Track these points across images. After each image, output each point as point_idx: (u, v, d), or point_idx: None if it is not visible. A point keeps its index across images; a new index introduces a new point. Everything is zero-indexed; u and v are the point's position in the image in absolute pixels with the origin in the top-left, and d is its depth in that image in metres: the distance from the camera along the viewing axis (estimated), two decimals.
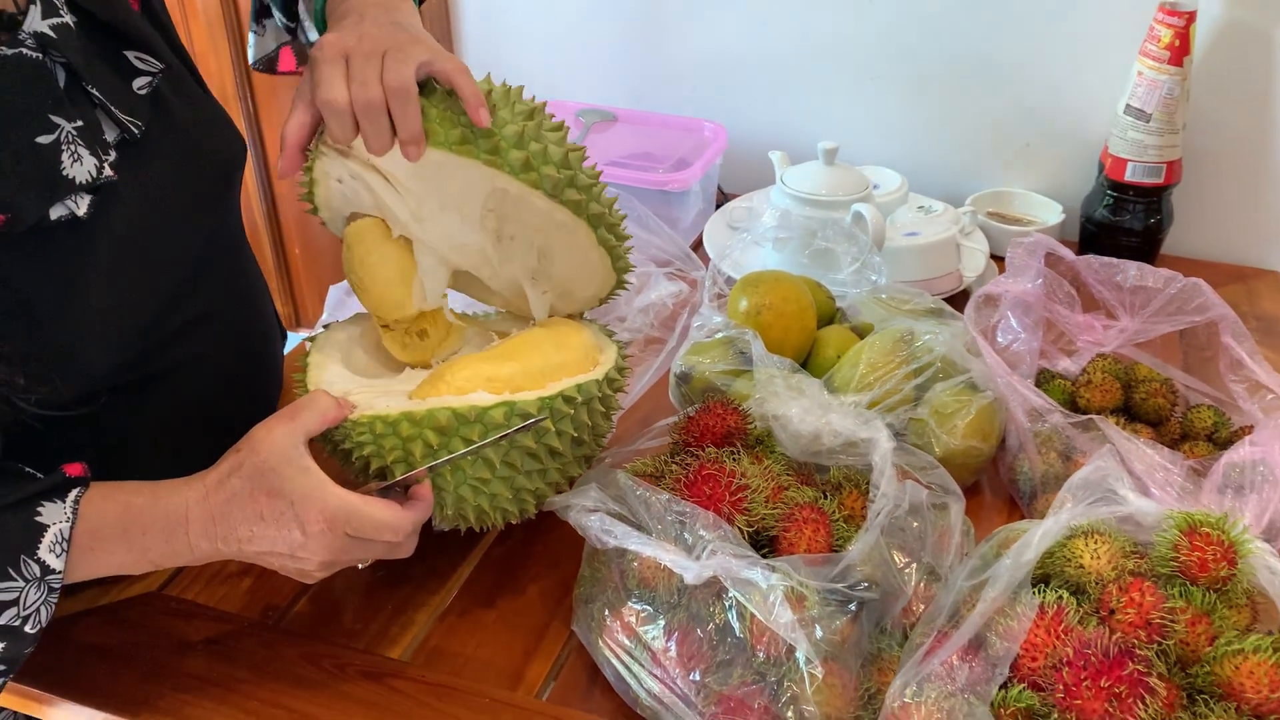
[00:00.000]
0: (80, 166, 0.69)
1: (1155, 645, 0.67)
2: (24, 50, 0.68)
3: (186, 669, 0.80)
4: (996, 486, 0.97)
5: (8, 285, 0.68)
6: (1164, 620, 0.67)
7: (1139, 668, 0.63)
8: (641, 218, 1.24)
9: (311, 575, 0.74)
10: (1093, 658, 0.63)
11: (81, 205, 0.70)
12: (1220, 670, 0.67)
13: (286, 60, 1.02)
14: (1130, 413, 0.99)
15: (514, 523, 0.86)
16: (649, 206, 1.24)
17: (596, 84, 1.58)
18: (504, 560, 0.90)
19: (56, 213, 0.69)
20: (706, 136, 1.44)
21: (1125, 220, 1.31)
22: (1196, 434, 0.98)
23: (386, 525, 0.72)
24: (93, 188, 0.70)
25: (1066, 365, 1.04)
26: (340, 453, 0.80)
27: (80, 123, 0.70)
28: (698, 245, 1.38)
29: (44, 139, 0.68)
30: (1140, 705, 0.62)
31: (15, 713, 0.83)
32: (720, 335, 1.02)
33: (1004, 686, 0.66)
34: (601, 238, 0.84)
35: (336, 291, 1.16)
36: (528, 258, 0.86)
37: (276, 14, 0.97)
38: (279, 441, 0.71)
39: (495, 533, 0.92)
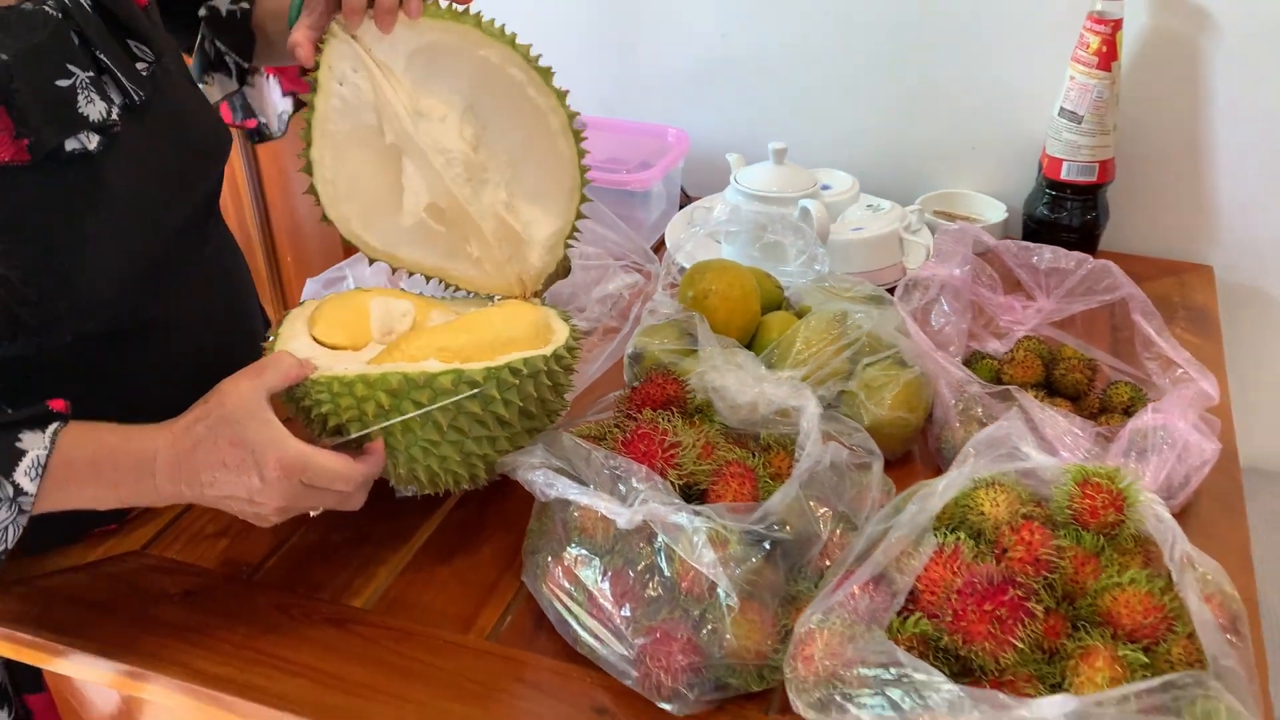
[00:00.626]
0: (93, 108, 0.79)
1: (1042, 579, 0.74)
2: (45, 7, 0.78)
3: (165, 617, 0.87)
4: (926, 456, 1.04)
5: (27, 211, 0.76)
6: (1050, 556, 0.74)
7: (1018, 593, 0.69)
8: (601, 215, 1.31)
9: (267, 519, 0.81)
10: (979, 585, 0.70)
11: (92, 142, 0.79)
12: (1100, 602, 0.74)
13: (225, 113, 1.11)
14: (1051, 388, 1.06)
15: (467, 488, 0.92)
16: (615, 208, 1.31)
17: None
18: (461, 524, 0.97)
19: (71, 145, 0.78)
20: (670, 141, 1.52)
21: (1063, 218, 1.38)
22: (1114, 408, 1.05)
23: (339, 475, 0.79)
24: (102, 128, 0.80)
25: (995, 346, 1.11)
26: (301, 409, 0.87)
27: (93, 73, 0.80)
28: (660, 245, 1.45)
29: (62, 82, 0.77)
30: (1020, 627, 0.69)
31: None
32: (669, 318, 1.09)
33: (905, 616, 0.73)
34: (570, 116, 0.95)
35: (313, 284, 1.24)
36: (504, 173, 0.96)
37: (231, 61, 1.05)
38: (244, 395, 0.78)
39: (454, 499, 0.99)
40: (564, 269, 1.11)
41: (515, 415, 0.88)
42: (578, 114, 0.98)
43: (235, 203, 2.18)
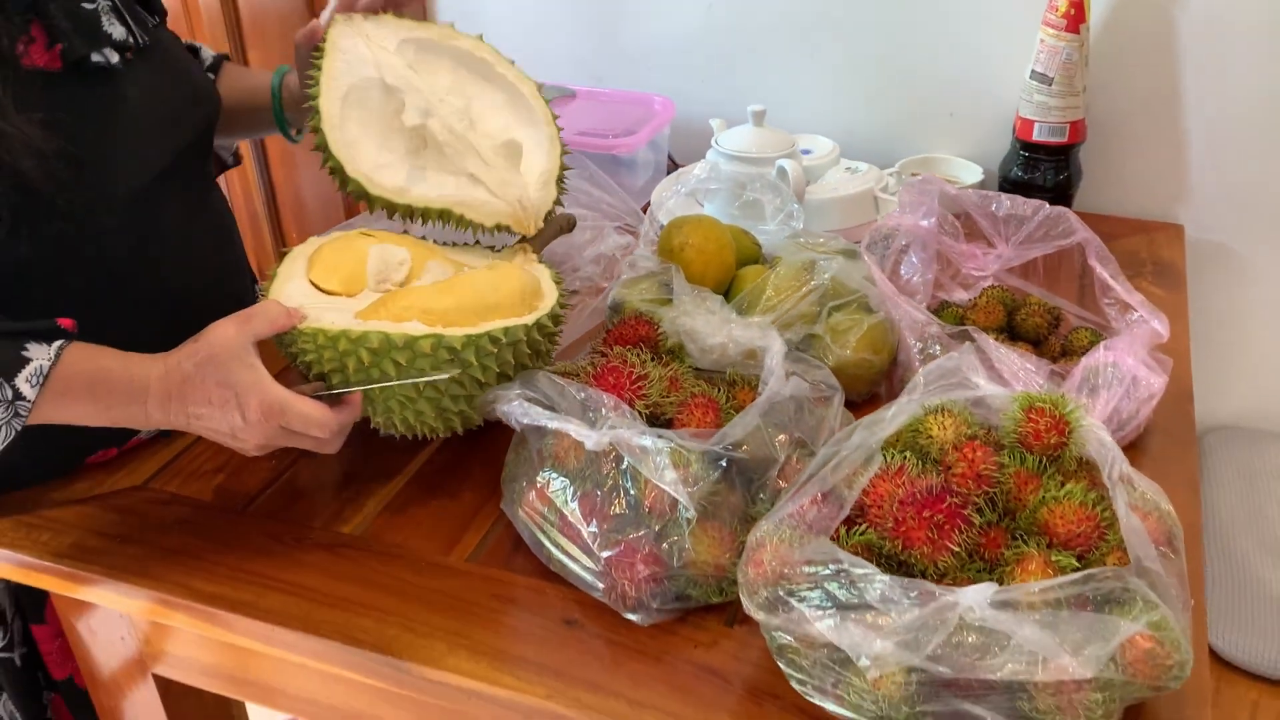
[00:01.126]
0: (115, 28, 0.90)
1: (983, 493, 0.78)
2: None
3: (166, 544, 0.92)
4: (891, 396, 1.08)
5: (59, 111, 0.85)
6: (990, 472, 0.79)
7: (955, 501, 0.74)
8: (594, 176, 1.36)
9: (248, 452, 0.87)
10: (919, 495, 0.75)
11: (114, 58, 0.90)
12: (1038, 515, 0.78)
13: None
14: (1013, 332, 1.11)
15: (446, 436, 0.98)
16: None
17: (560, 65, 1.71)
18: (445, 463, 1.02)
19: (96, 58, 0.88)
20: (656, 109, 1.56)
21: (1037, 178, 1.42)
22: (1075, 352, 1.09)
23: (315, 422, 0.85)
24: (123, 47, 0.91)
25: (962, 296, 1.16)
26: (289, 354, 0.92)
27: (111, 2, 0.90)
28: (647, 209, 1.50)
29: (87, 5, 0.89)
30: (957, 533, 0.73)
31: None
32: (648, 271, 1.14)
33: (851, 528, 0.78)
34: (536, 85, 1.09)
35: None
36: (491, 121, 1.07)
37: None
38: (231, 339, 0.83)
39: (439, 441, 1.04)
40: (568, 224, 1.16)
41: (492, 379, 0.93)
42: (542, 84, 1.11)
43: (241, 179, 2.24)
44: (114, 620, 0.98)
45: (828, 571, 0.70)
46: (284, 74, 1.16)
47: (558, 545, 0.85)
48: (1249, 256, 1.48)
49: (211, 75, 1.15)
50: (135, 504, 0.97)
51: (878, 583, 0.67)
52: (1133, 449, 1.00)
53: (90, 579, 0.89)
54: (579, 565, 0.84)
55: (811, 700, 0.74)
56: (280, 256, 0.98)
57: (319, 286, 0.95)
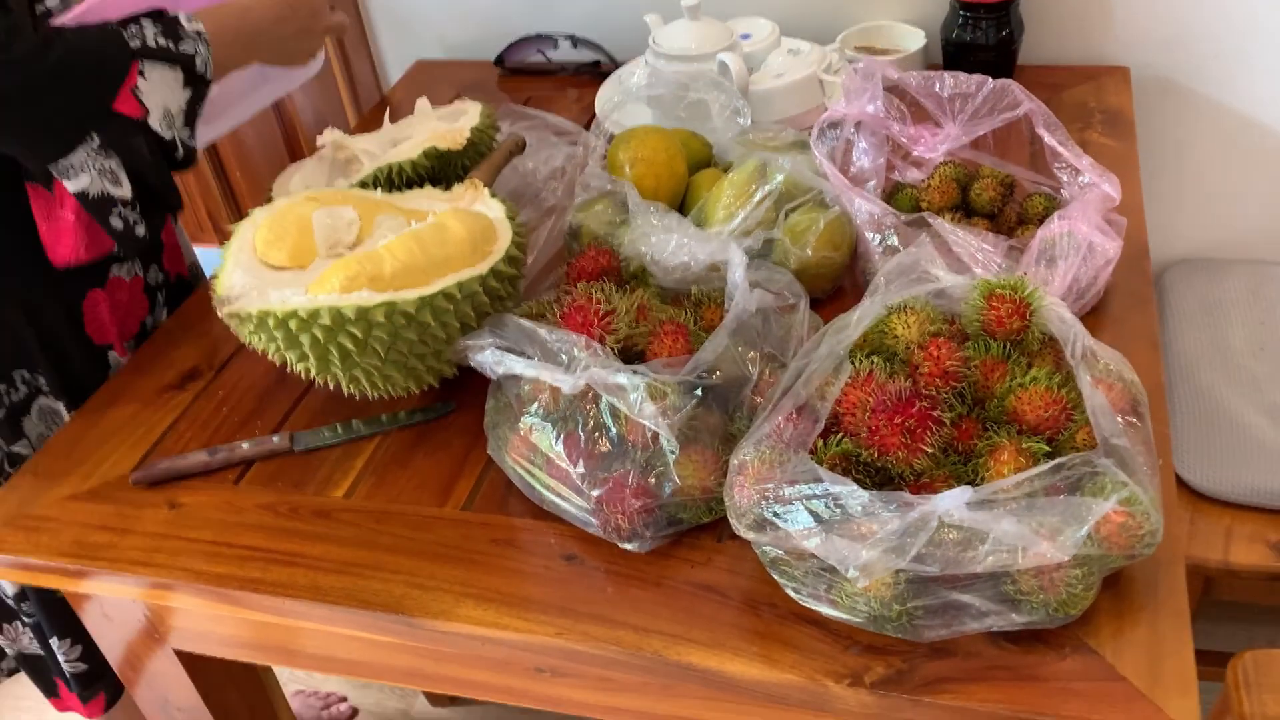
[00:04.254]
0: None
1: (951, 389, 0.81)
2: None
3: (165, 530, 0.94)
4: (856, 290, 1.10)
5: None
6: (957, 367, 0.81)
7: (925, 405, 0.76)
8: (522, 111, 1.34)
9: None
10: (889, 402, 0.77)
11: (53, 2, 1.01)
12: (1006, 402, 0.81)
13: None
14: (968, 208, 1.11)
15: (419, 392, 0.99)
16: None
17: None
18: (426, 410, 1.03)
19: (40, 9, 0.99)
20: None
21: (979, 37, 1.40)
22: (1031, 219, 1.10)
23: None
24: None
25: (915, 175, 1.16)
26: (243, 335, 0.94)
27: None
28: (594, 118, 1.47)
29: None
30: (929, 435, 0.76)
31: None
32: (601, 191, 1.13)
33: (828, 439, 0.80)
34: None
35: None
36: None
37: None
38: None
39: (416, 394, 1.05)
40: (518, 146, 1.15)
41: (456, 333, 0.93)
42: None
43: None
44: (127, 605, 1.00)
45: (810, 491, 0.72)
46: None
47: (548, 487, 0.88)
48: (1195, 88, 1.48)
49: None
50: (127, 493, 0.98)
51: (858, 498, 0.70)
52: (1093, 314, 1.02)
53: (97, 574, 0.91)
54: (571, 504, 0.86)
55: (806, 605, 0.78)
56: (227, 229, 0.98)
57: (268, 263, 0.94)
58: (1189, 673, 0.72)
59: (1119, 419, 0.78)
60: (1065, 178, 1.09)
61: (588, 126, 1.46)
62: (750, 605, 0.81)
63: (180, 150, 1.02)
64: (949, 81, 1.04)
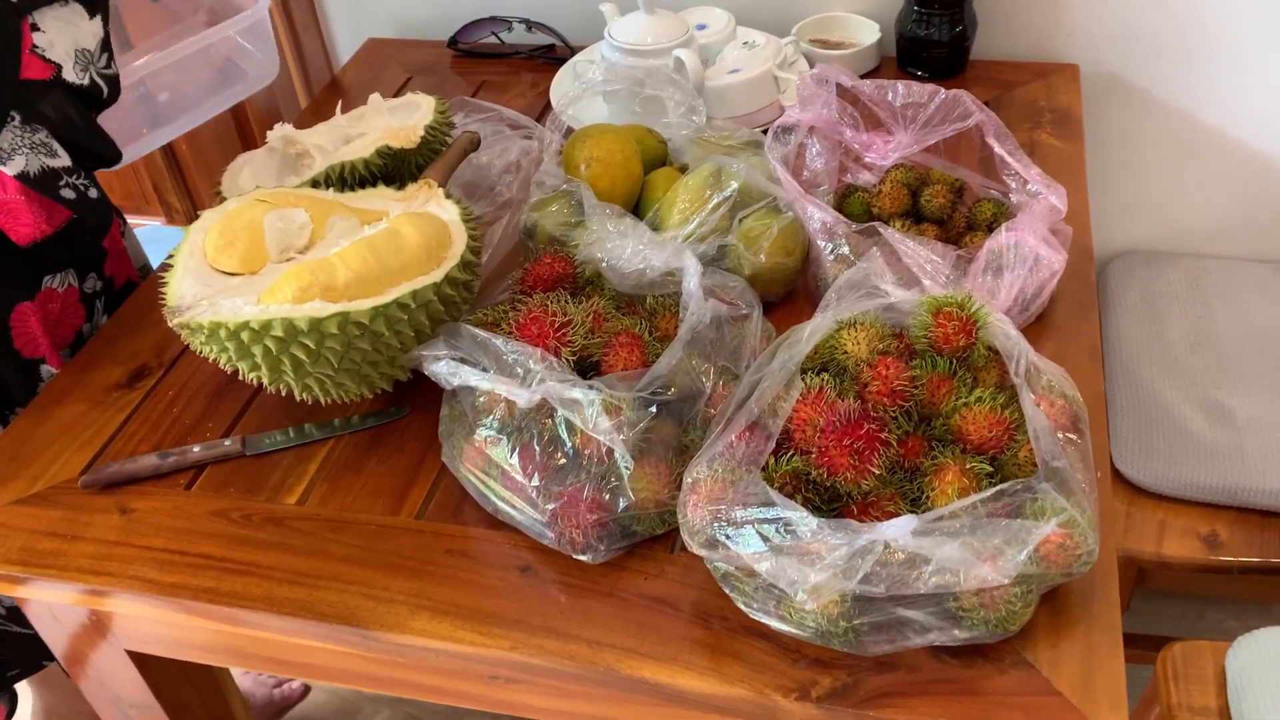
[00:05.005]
0: None
1: (898, 408, 0.82)
2: None
3: (116, 536, 0.93)
4: (807, 294, 1.11)
5: None
6: (904, 387, 0.82)
7: (873, 427, 0.78)
8: (475, 104, 1.33)
9: None
10: (839, 423, 0.78)
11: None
12: (952, 421, 0.83)
13: None
14: (918, 214, 1.13)
15: (372, 396, 0.99)
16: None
17: None
18: (380, 413, 1.03)
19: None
20: None
21: (933, 33, 1.41)
22: (979, 225, 1.12)
23: None
24: None
25: (868, 178, 1.17)
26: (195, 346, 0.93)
27: None
28: (549, 103, 1.46)
29: None
30: (876, 456, 0.77)
31: None
32: (557, 189, 1.13)
33: (779, 455, 0.82)
34: None
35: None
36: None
37: None
38: None
39: (368, 398, 1.05)
40: (472, 143, 1.14)
41: (411, 342, 0.93)
42: None
43: None
44: (79, 609, 1.00)
45: (761, 515, 0.74)
46: None
47: (503, 499, 0.88)
48: (1141, 85, 1.50)
49: None
50: (76, 498, 0.97)
51: (807, 525, 0.72)
52: (1037, 321, 1.05)
53: (46, 583, 0.91)
54: (525, 516, 0.87)
55: (756, 619, 0.80)
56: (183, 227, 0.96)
57: (219, 269, 0.93)
58: (1119, 687, 0.75)
59: (1060, 436, 0.81)
60: (1014, 184, 1.11)
61: (542, 114, 1.46)
62: (701, 618, 0.83)
63: (104, 89, 0.98)
64: (901, 91, 1.06)
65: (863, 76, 1.39)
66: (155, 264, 1.27)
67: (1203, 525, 1.30)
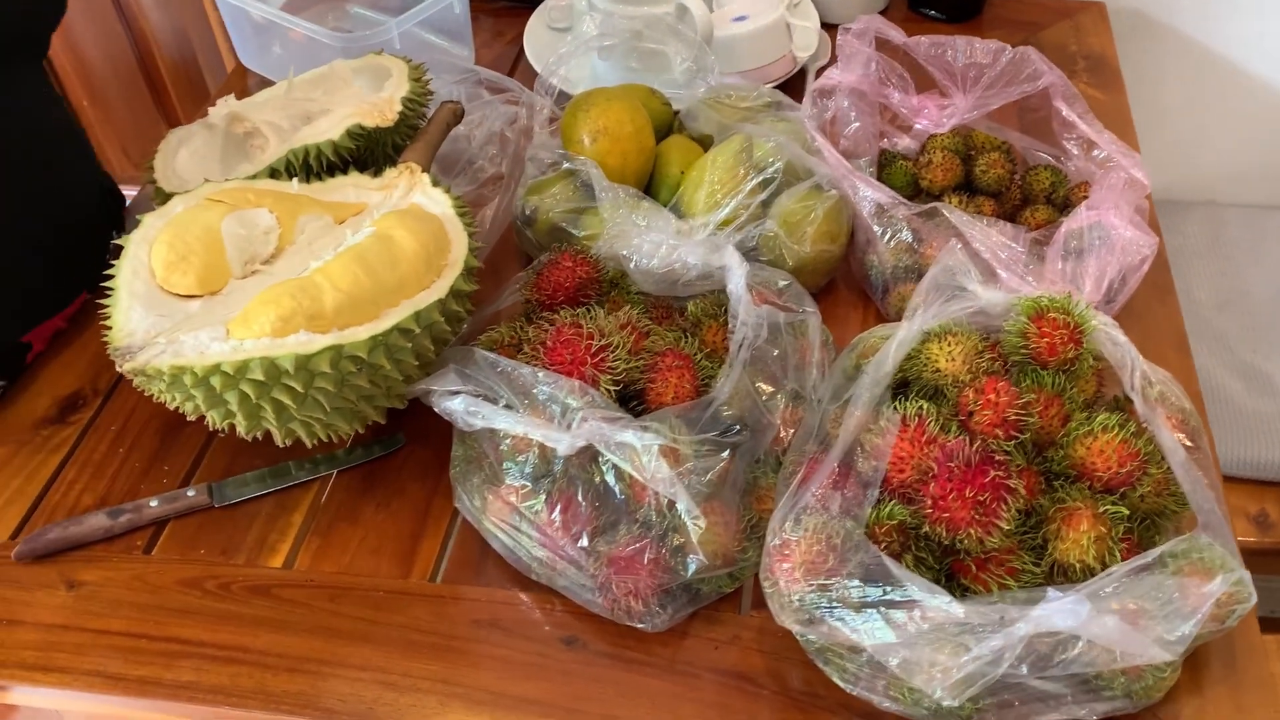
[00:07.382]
0: None
1: (1013, 440, 0.70)
2: None
3: (58, 620, 0.77)
4: (850, 282, 0.98)
5: None
6: (1019, 416, 0.70)
7: (999, 474, 0.65)
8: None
9: None
10: (956, 469, 0.66)
11: None
12: (1073, 453, 0.71)
13: None
14: (972, 187, 1.00)
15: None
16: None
17: None
18: (372, 447, 0.88)
19: None
20: None
21: None
22: (1036, 196, 0.99)
23: None
24: None
25: (908, 144, 1.03)
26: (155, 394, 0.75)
27: None
28: (520, 55, 1.29)
29: None
30: (1004, 507, 0.65)
31: None
32: (557, 169, 0.97)
33: (876, 502, 0.69)
34: None
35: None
36: None
37: None
38: None
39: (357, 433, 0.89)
40: (455, 116, 0.97)
41: (414, 371, 0.78)
42: None
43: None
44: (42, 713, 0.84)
45: (887, 596, 0.61)
46: None
47: (539, 560, 0.74)
48: (1169, 24, 1.38)
49: None
50: (9, 571, 0.80)
51: (950, 612, 0.59)
52: (1119, 313, 0.93)
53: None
54: (568, 579, 0.74)
55: (857, 695, 0.68)
56: (114, 249, 0.78)
57: (172, 291, 0.76)
58: None
59: (1182, 448, 0.70)
60: (1075, 149, 0.98)
61: (514, 68, 1.28)
62: (789, 697, 0.70)
63: None
64: (962, 48, 0.91)
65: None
66: None
67: (1251, 504, 1.22)
